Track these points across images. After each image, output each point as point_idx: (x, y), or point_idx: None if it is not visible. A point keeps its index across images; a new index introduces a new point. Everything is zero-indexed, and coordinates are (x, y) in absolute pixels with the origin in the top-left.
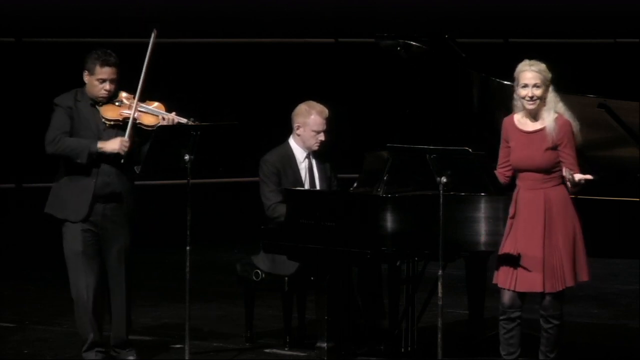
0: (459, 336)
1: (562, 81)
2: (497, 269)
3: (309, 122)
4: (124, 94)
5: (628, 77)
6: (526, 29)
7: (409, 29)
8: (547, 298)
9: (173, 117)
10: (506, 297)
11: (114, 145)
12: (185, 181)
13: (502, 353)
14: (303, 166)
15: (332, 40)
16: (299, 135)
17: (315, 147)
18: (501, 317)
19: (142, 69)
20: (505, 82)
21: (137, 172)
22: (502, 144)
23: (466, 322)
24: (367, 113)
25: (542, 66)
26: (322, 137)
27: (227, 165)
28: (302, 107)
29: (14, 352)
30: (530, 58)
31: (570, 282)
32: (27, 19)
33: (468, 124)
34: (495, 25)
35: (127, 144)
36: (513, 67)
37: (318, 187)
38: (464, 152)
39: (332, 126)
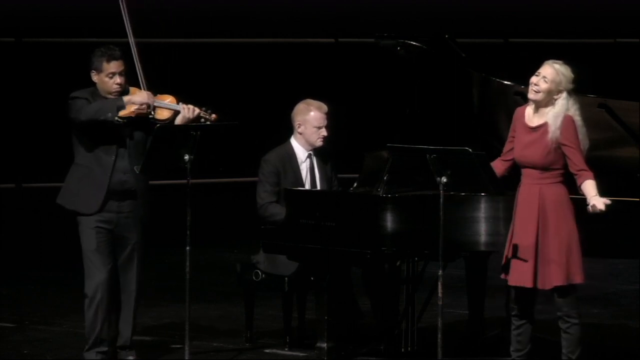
0: (459, 336)
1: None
2: (504, 263)
3: (309, 119)
4: (136, 91)
5: (628, 77)
6: (526, 29)
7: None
8: (557, 297)
9: (192, 108)
10: (513, 292)
11: (142, 96)
12: (185, 181)
13: (511, 349)
14: (304, 166)
15: (332, 40)
16: (300, 133)
17: (319, 143)
18: (512, 313)
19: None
20: (506, 82)
21: (137, 171)
22: (510, 134)
23: (466, 322)
24: (367, 113)
25: (566, 71)
26: (324, 132)
27: (227, 165)
28: (300, 106)
29: (14, 352)
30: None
31: (557, 282)
32: (27, 19)
33: (468, 124)
34: (495, 25)
35: (153, 97)
36: (513, 67)
37: (319, 187)
38: (464, 152)
39: (332, 126)
